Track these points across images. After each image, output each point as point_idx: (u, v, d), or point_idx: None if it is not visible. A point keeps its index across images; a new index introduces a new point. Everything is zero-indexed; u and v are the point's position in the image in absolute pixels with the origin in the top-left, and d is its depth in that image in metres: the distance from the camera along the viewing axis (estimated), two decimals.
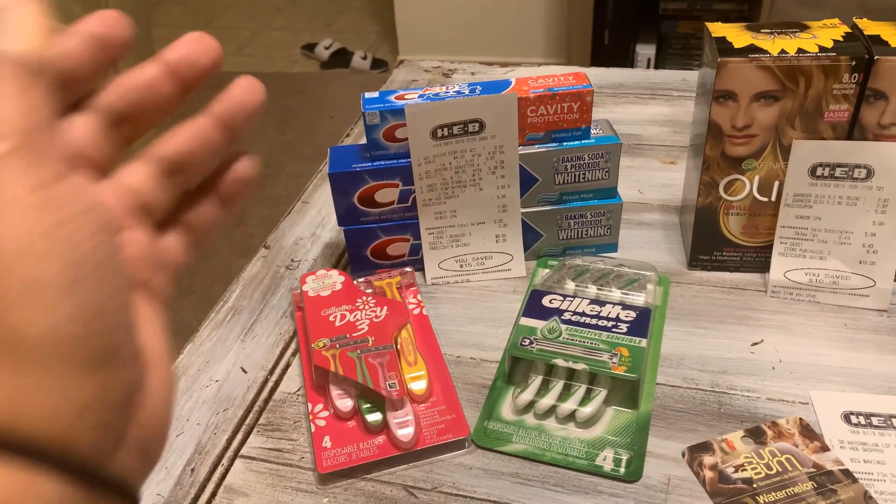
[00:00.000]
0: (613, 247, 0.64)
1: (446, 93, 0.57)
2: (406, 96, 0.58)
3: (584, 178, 0.60)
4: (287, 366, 0.55)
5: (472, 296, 0.61)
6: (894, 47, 0.50)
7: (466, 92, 0.57)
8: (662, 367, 0.53)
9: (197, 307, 1.51)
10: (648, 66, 1.90)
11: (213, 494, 0.46)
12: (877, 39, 0.51)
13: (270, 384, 0.54)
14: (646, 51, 1.89)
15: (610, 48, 1.87)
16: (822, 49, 0.51)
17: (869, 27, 0.53)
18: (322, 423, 0.49)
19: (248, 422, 0.51)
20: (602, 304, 0.54)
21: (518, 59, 2.33)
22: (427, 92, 0.58)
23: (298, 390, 0.53)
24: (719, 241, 0.60)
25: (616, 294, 0.57)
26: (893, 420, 0.47)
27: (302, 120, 2.31)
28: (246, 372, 0.55)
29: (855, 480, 0.44)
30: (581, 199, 0.62)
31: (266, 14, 3.17)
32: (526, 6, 2.28)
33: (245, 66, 2.72)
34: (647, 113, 0.85)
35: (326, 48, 2.64)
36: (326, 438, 0.48)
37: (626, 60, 1.90)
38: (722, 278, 0.61)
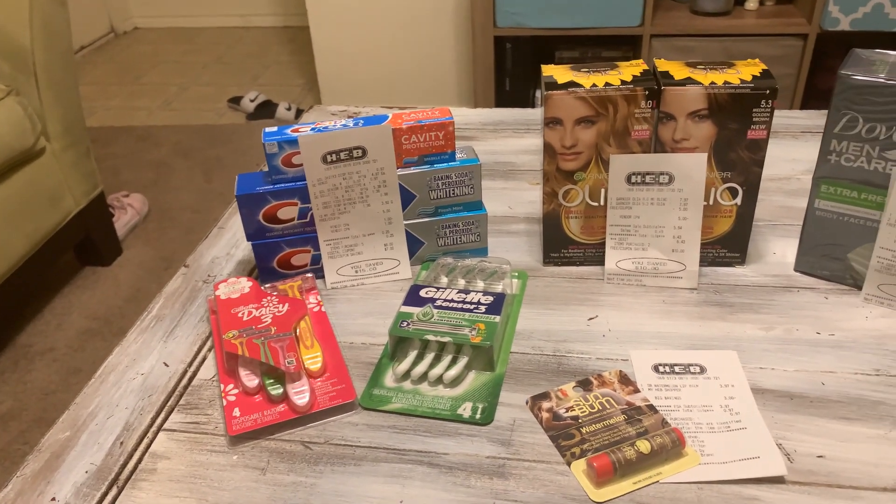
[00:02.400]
0: (484, 251, 0.76)
1: (334, 126, 0.69)
2: (300, 129, 0.69)
3: (453, 193, 0.73)
4: (204, 359, 0.65)
5: (366, 296, 0.72)
6: (677, 80, 0.65)
7: (351, 125, 0.69)
8: (517, 339, 0.65)
9: None
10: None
11: (140, 460, 0.55)
12: (666, 74, 0.66)
13: (189, 374, 0.63)
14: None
15: (511, 92, 2.05)
16: (623, 82, 0.65)
17: (662, 65, 0.68)
18: (233, 398, 0.59)
19: (169, 403, 0.60)
20: (468, 292, 0.66)
21: (432, 105, 2.50)
22: (318, 126, 0.70)
23: (213, 377, 0.63)
24: (565, 241, 0.73)
25: (480, 284, 0.69)
26: (689, 367, 0.60)
27: (229, 168, 2.40)
28: (168, 366, 0.64)
29: (656, 411, 0.56)
30: (453, 211, 0.74)
31: (193, 70, 3.27)
32: (436, 58, 2.45)
33: (173, 120, 2.80)
34: (521, 144, 0.99)
35: (252, 100, 2.75)
36: (236, 409, 0.58)
37: (528, 102, 2.08)
38: (569, 271, 0.73)
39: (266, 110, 2.73)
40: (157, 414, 0.59)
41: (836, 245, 0.67)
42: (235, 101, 2.84)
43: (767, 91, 0.63)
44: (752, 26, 1.84)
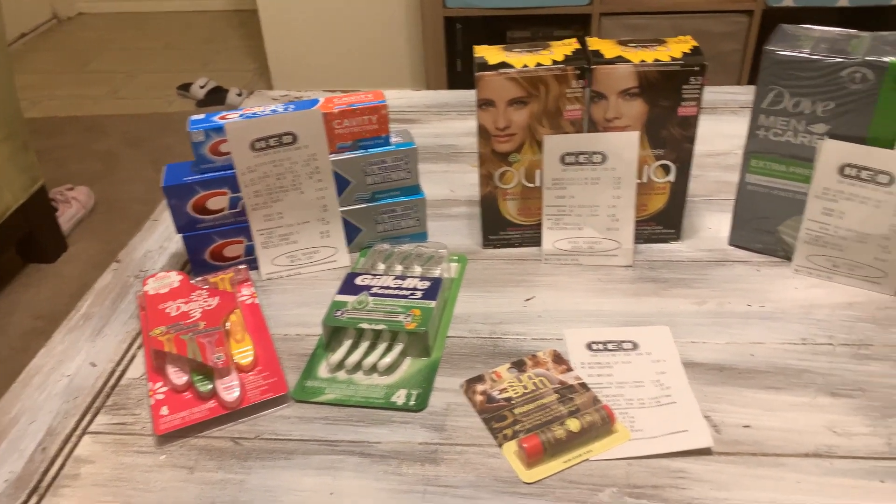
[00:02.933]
0: (424, 235, 0.76)
1: (263, 112, 0.68)
2: (228, 116, 0.67)
3: (389, 178, 0.72)
4: (133, 357, 0.63)
5: (303, 285, 0.71)
6: (608, 58, 0.64)
7: (281, 110, 0.68)
8: (454, 324, 0.64)
9: None
10: None
11: (62, 466, 0.54)
12: (597, 53, 0.65)
13: (118, 373, 0.62)
14: None
15: (463, 73, 2.03)
16: (554, 62, 0.64)
17: (594, 44, 0.67)
18: (161, 396, 0.57)
19: (96, 405, 0.59)
20: (405, 278, 0.65)
21: (384, 88, 2.47)
22: (246, 112, 0.68)
23: (142, 376, 0.61)
24: (503, 223, 0.72)
25: (418, 270, 0.68)
26: (622, 344, 0.61)
27: (179, 157, 2.34)
28: (95, 366, 0.63)
29: (588, 389, 0.56)
30: (390, 196, 0.73)
31: (141, 57, 3.18)
32: (388, 39, 2.42)
33: (120, 109, 2.73)
34: (465, 126, 0.98)
35: (202, 87, 2.69)
36: (164, 408, 0.56)
37: None
38: (509, 253, 0.73)
39: (216, 97, 2.68)
40: (83, 416, 0.58)
41: (767, 218, 0.68)
42: (185, 87, 2.78)
43: (696, 67, 0.63)
44: (701, 3, 1.85)
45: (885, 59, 0.57)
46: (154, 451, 0.54)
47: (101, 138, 2.50)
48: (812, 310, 0.64)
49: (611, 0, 1.87)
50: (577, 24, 2.00)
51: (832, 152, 0.61)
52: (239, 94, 2.65)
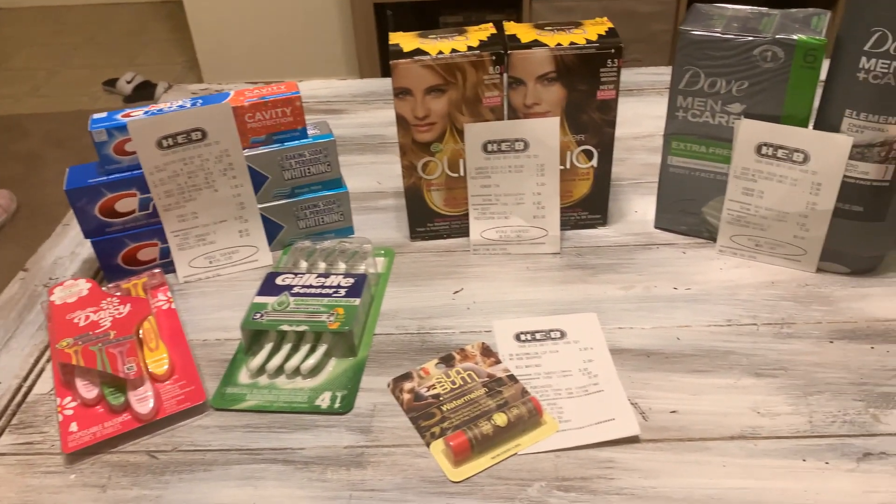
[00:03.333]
0: (350, 230, 0.74)
1: (170, 107, 0.64)
2: (132, 113, 0.64)
3: (309, 172, 0.69)
4: (41, 371, 0.60)
5: (223, 287, 0.68)
6: (524, 43, 0.63)
7: (189, 105, 0.65)
8: (381, 321, 0.63)
9: None
10: None
11: None
12: (513, 38, 0.64)
13: (24, 389, 0.58)
14: None
15: None
16: (469, 48, 0.63)
17: (511, 28, 0.66)
18: (70, 412, 0.54)
19: (0, 424, 0.55)
20: (328, 276, 0.63)
21: (318, 78, 2.42)
22: (152, 108, 0.65)
23: (51, 391, 0.58)
24: (429, 215, 0.71)
25: (342, 267, 0.66)
26: (550, 333, 0.60)
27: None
28: (0, 382, 0.59)
29: (517, 381, 0.56)
30: (311, 191, 0.70)
31: (63, 53, 3.05)
32: (318, 28, 2.37)
33: (42, 107, 2.61)
34: (392, 116, 0.96)
35: (129, 82, 2.60)
36: (73, 424, 0.53)
37: None
38: (437, 245, 0.72)
39: (145, 91, 2.59)
40: None
41: (691, 200, 0.68)
42: (111, 83, 2.68)
43: (612, 50, 0.62)
44: None
45: (794, 36, 0.57)
46: (63, 471, 0.51)
47: (21, 138, 2.39)
48: (736, 290, 0.64)
49: None
50: (510, 8, 1.99)
51: (748, 132, 0.61)
52: (167, 89, 2.57)
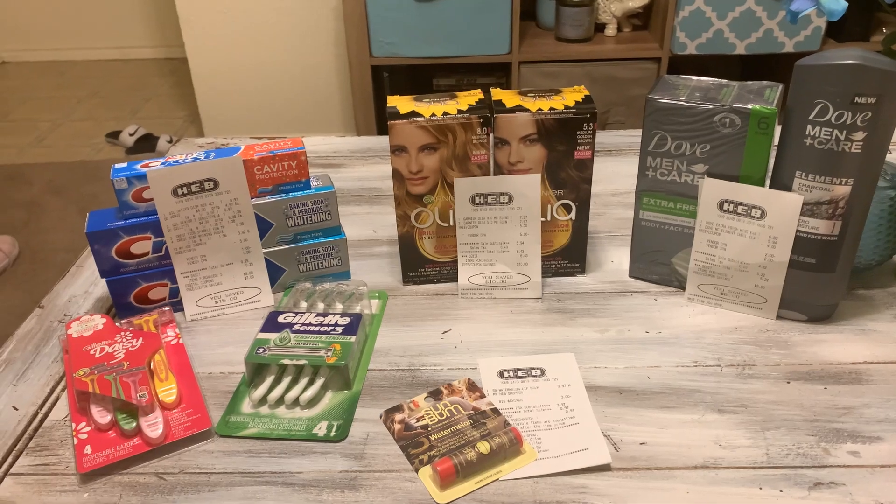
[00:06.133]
0: (346, 274, 0.79)
1: (185, 159, 0.70)
2: (150, 164, 0.70)
3: (310, 220, 0.75)
4: (56, 399, 0.64)
5: (227, 325, 0.73)
6: (509, 108, 0.70)
7: (202, 157, 0.71)
8: (375, 357, 0.68)
9: None
10: None
11: None
12: (499, 103, 0.71)
13: (41, 416, 0.62)
14: None
15: None
16: (460, 111, 0.70)
17: (497, 94, 0.73)
18: (84, 436, 0.58)
19: (18, 447, 0.59)
20: (326, 315, 0.69)
21: (315, 134, 2.51)
22: (169, 160, 0.71)
23: (65, 417, 0.62)
24: (421, 260, 0.77)
25: (339, 307, 0.71)
26: (531, 371, 0.65)
27: (105, 205, 2.31)
28: (17, 409, 0.63)
29: (499, 413, 0.60)
30: (312, 237, 0.76)
31: (67, 105, 3.14)
32: (317, 87, 2.48)
33: (46, 157, 2.68)
34: (386, 170, 1.03)
35: (131, 134, 2.68)
36: (87, 447, 0.57)
37: None
38: (427, 289, 0.77)
39: (146, 144, 2.67)
40: (3, 459, 0.58)
41: (661, 251, 0.75)
42: (114, 135, 2.76)
43: (588, 115, 0.69)
44: (612, 51, 1.97)
45: (749, 106, 0.64)
46: (77, 490, 0.55)
47: (23, 187, 2.45)
48: (703, 334, 0.70)
49: (529, 49, 1.97)
50: (499, 72, 2.09)
51: (711, 189, 0.68)
52: (169, 141, 2.65)
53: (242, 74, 2.48)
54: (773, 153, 0.66)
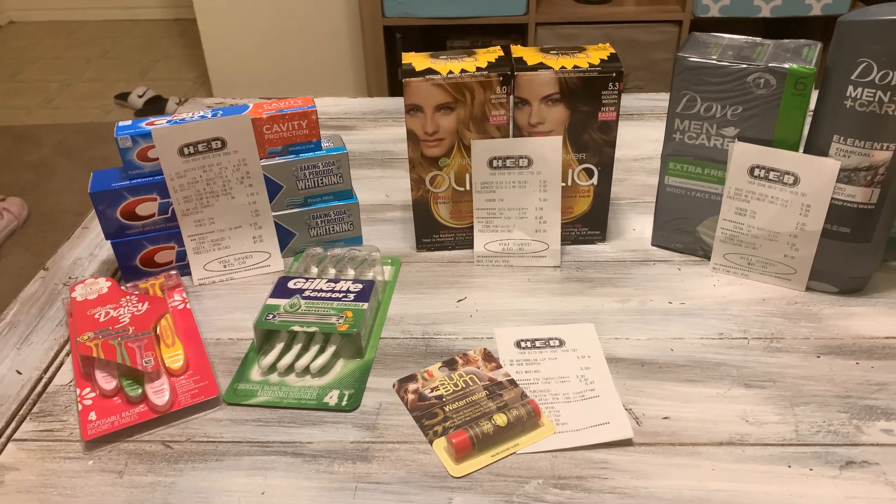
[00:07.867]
0: (359, 239, 0.77)
1: (191, 117, 0.68)
2: (155, 122, 0.67)
3: (321, 182, 0.72)
4: (61, 364, 0.62)
5: (235, 290, 0.71)
6: (530, 65, 0.67)
7: (209, 115, 0.68)
8: (387, 325, 0.66)
9: None
10: None
11: None
12: (520, 60, 0.68)
13: (45, 380, 0.61)
14: None
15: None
16: (478, 69, 0.66)
17: (517, 51, 0.70)
18: (89, 402, 0.57)
19: (21, 412, 0.57)
20: (337, 281, 0.66)
21: (326, 96, 2.47)
22: (175, 118, 0.68)
23: (70, 382, 0.60)
24: (435, 226, 0.74)
25: (351, 273, 0.69)
26: (549, 341, 0.63)
27: (114, 167, 2.30)
28: (21, 373, 0.61)
29: (516, 385, 0.58)
30: (323, 200, 0.74)
31: (76, 66, 3.10)
32: (329, 48, 2.42)
33: (55, 118, 2.66)
34: (400, 132, 1.00)
35: (140, 96, 2.65)
36: (92, 413, 0.56)
37: None
38: (442, 256, 0.75)
39: (156, 106, 2.63)
40: (7, 424, 0.56)
41: (686, 219, 0.71)
42: (123, 97, 2.73)
43: (614, 74, 0.66)
44: (632, 13, 1.91)
45: (785, 65, 0.60)
46: (82, 457, 0.53)
47: (32, 149, 2.43)
48: (728, 306, 0.67)
49: (546, 10, 1.92)
50: (516, 34, 2.04)
51: (741, 154, 0.64)
52: (178, 103, 2.61)
53: (252, 35, 2.43)
54: (808, 118, 0.63)
